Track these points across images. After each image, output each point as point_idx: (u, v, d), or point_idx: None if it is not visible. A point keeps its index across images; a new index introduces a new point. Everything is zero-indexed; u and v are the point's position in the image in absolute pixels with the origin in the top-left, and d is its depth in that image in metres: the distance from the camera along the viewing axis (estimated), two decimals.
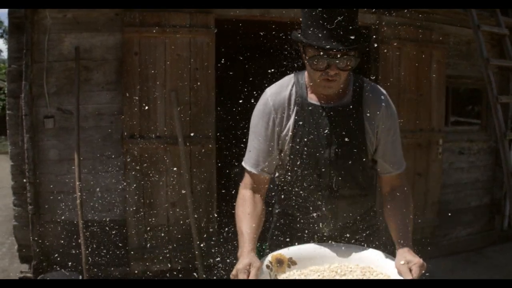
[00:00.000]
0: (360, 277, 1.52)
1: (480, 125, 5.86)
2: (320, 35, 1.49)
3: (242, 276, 1.44)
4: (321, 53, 1.51)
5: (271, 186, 1.86)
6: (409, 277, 1.43)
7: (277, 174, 1.87)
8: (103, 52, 4.20)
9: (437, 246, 5.32)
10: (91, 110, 4.21)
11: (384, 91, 1.75)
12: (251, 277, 1.44)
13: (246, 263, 1.47)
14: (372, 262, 1.60)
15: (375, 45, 4.80)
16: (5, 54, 28.28)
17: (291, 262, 1.62)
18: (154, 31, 4.13)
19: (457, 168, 5.47)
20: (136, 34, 4.12)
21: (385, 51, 4.76)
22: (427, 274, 1.50)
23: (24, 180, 4.09)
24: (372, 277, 1.53)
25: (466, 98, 5.94)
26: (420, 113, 4.96)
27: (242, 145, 1.88)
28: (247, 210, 1.68)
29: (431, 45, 4.99)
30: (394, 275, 1.48)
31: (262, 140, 1.73)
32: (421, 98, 4.95)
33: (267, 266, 1.56)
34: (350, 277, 1.53)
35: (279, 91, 1.73)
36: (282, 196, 1.89)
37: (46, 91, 4.09)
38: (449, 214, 5.34)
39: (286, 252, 1.64)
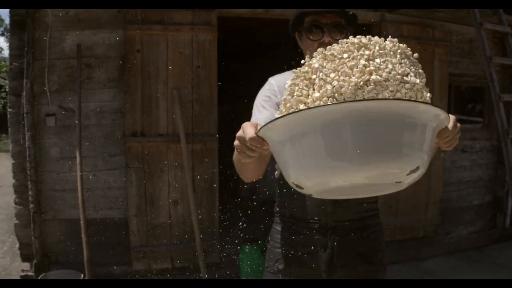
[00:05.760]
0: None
1: (483, 123, 5.85)
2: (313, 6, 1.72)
3: (249, 129, 1.17)
4: (316, 23, 1.71)
5: (270, 183, 1.84)
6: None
7: (276, 172, 1.86)
8: (105, 50, 4.19)
9: (439, 244, 5.32)
10: (93, 108, 4.20)
11: None
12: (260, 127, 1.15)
13: (253, 122, 1.22)
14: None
15: None
16: (6, 52, 28.25)
17: None
18: (156, 29, 4.13)
19: (459, 166, 5.46)
20: (138, 32, 4.11)
21: None
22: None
23: (26, 178, 4.08)
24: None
25: (469, 96, 5.93)
26: None
27: None
28: None
29: (433, 43, 4.98)
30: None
31: (263, 110, 1.76)
32: None
33: None
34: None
35: (280, 76, 1.85)
36: (282, 192, 1.87)
37: (47, 89, 4.08)
38: (452, 212, 5.34)
39: None
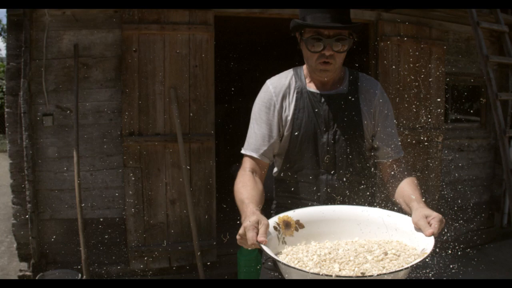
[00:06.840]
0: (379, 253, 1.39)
1: (480, 122, 5.86)
2: (315, 17, 1.65)
3: (251, 234, 1.30)
4: (317, 35, 1.65)
5: (269, 182, 1.85)
6: (429, 231, 1.36)
7: (275, 170, 1.88)
8: (102, 49, 4.19)
9: (436, 243, 5.31)
10: (90, 108, 4.20)
11: (378, 82, 1.87)
12: (261, 234, 1.31)
13: (254, 220, 1.35)
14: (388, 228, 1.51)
15: (375, 42, 4.79)
16: (3, 53, 28.21)
17: (298, 225, 1.53)
18: (153, 28, 4.12)
19: (457, 165, 5.47)
20: (135, 31, 4.11)
21: (385, 48, 4.76)
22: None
23: (23, 178, 4.08)
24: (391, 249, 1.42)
25: (466, 95, 5.94)
26: (419, 110, 4.96)
27: (241, 143, 1.87)
28: (247, 184, 1.67)
29: (430, 42, 4.98)
30: (415, 239, 1.40)
31: (263, 125, 1.79)
32: (420, 95, 4.94)
33: (275, 228, 1.46)
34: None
35: (279, 79, 1.84)
36: (279, 189, 1.89)
37: (44, 89, 4.08)
38: (449, 211, 5.34)
39: (292, 214, 1.54)
